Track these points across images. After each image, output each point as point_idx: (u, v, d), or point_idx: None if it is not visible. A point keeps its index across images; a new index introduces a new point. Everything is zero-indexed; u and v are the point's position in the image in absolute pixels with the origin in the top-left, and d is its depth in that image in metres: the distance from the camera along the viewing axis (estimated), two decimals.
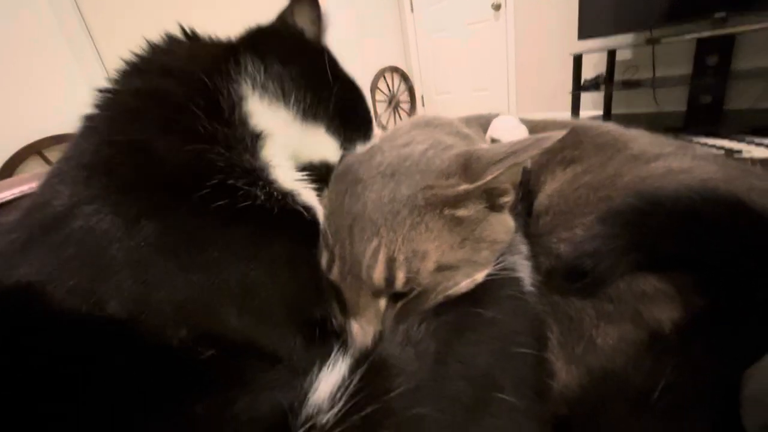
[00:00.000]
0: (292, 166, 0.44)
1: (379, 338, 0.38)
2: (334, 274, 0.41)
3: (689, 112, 2.81)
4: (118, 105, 0.40)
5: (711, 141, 2.58)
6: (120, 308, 0.29)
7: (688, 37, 2.48)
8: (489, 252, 0.41)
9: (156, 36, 0.45)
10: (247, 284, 0.34)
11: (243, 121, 0.40)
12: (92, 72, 2.56)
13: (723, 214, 0.36)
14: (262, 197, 0.37)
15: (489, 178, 0.37)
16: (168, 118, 0.37)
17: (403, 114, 4.31)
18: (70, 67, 2.44)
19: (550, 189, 0.53)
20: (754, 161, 0.76)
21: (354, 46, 3.60)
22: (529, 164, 0.57)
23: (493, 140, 0.60)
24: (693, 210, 0.37)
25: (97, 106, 0.40)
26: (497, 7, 3.52)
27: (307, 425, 0.27)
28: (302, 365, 0.33)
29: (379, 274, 0.38)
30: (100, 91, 0.41)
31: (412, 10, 4.04)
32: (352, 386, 0.29)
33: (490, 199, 0.41)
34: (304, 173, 0.44)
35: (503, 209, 0.43)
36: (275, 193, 0.39)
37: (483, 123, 0.65)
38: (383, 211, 0.39)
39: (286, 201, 0.39)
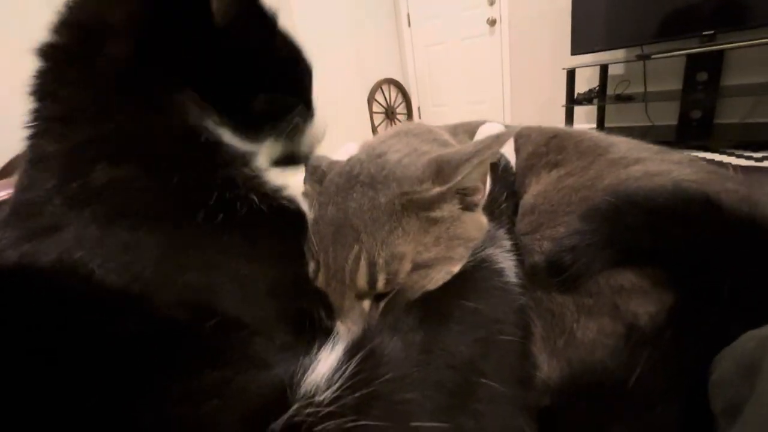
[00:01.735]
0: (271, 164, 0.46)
1: (369, 329, 0.39)
2: (320, 281, 0.43)
3: (680, 127, 2.87)
4: (79, 131, 0.37)
5: (702, 154, 2.63)
6: (129, 286, 0.31)
7: (677, 53, 2.55)
8: (463, 248, 0.43)
9: None
10: (239, 279, 0.36)
11: (228, 150, 0.41)
12: None
13: (692, 213, 0.38)
14: (257, 200, 0.39)
15: (459, 178, 0.40)
16: (144, 147, 0.37)
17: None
18: None
19: (535, 190, 0.55)
20: (735, 168, 0.79)
21: (352, 58, 3.66)
22: (514, 167, 0.60)
23: None
24: (665, 208, 0.39)
25: (49, 129, 0.38)
26: (492, 23, 3.60)
27: (305, 401, 0.29)
28: (299, 348, 0.35)
29: (361, 278, 0.40)
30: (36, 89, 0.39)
31: (409, 24, 4.12)
32: (348, 370, 0.31)
33: (463, 198, 0.44)
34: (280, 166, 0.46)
35: (476, 207, 0.46)
36: (269, 192, 0.40)
37: (469, 130, 0.68)
38: (363, 218, 0.41)
39: (275, 197, 0.41)
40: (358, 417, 0.28)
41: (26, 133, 0.39)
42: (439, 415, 0.31)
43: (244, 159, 0.41)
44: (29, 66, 0.41)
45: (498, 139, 0.39)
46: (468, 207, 0.44)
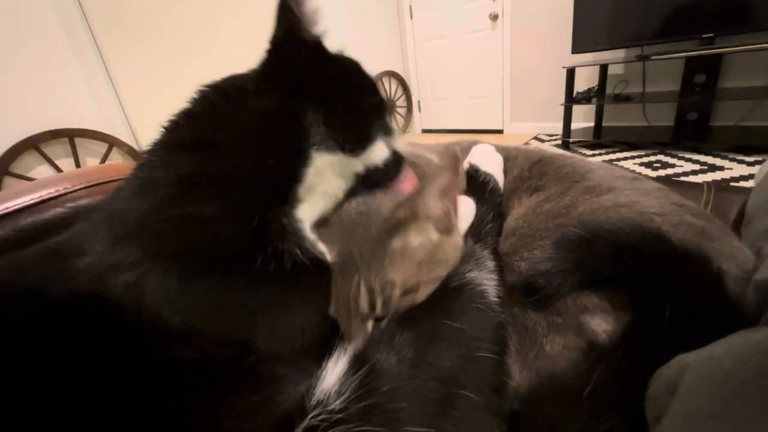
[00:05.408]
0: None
1: (370, 345, 0.45)
2: (332, 310, 0.48)
3: (677, 128, 2.91)
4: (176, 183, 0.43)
5: (696, 156, 2.68)
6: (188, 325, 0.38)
7: (677, 55, 2.57)
8: (443, 269, 0.49)
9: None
10: (276, 324, 0.43)
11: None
12: (91, 65, 2.53)
13: (645, 246, 0.44)
14: (299, 253, 0.45)
15: (424, 207, 0.47)
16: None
17: (399, 119, 4.39)
18: (69, 61, 2.42)
19: (517, 213, 0.61)
20: (710, 186, 0.85)
21: (353, 49, 3.64)
22: (501, 189, 0.65)
23: (471, 166, 0.67)
24: (624, 241, 0.45)
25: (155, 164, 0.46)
26: (495, 18, 3.61)
27: (319, 410, 0.35)
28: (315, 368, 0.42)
29: (363, 303, 0.46)
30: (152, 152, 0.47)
31: (411, 16, 4.12)
32: (354, 384, 0.37)
33: (438, 224, 0.50)
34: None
35: (450, 232, 0.51)
36: (308, 245, 0.46)
37: (461, 150, 0.73)
38: (361, 250, 0.47)
39: (311, 251, 0.46)
40: (361, 423, 0.34)
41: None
42: (425, 421, 0.38)
43: (291, 210, 0.47)
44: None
45: (446, 171, 0.48)
46: (443, 231, 0.50)
